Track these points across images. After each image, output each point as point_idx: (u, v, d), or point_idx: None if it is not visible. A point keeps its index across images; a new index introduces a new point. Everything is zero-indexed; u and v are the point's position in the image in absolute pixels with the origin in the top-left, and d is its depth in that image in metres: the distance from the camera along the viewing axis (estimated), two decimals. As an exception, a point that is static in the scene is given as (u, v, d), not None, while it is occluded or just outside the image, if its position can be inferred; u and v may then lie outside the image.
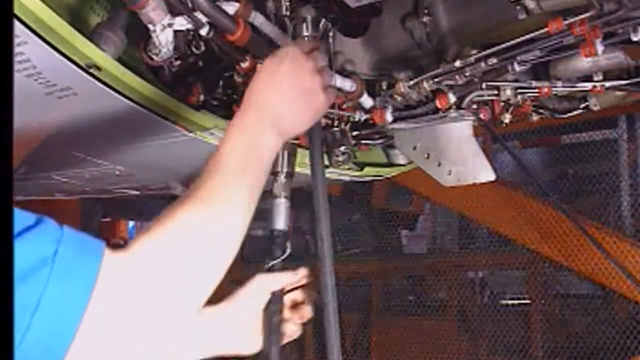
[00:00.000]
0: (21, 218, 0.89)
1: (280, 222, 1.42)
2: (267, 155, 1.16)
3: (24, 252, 0.85)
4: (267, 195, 1.39)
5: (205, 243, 1.02)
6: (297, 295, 1.45)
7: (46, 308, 0.85)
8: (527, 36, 1.51)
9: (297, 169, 2.06)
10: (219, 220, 1.05)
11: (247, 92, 1.19)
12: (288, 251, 1.41)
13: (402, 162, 2.34)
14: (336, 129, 1.89)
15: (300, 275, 1.43)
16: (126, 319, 0.93)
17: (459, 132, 1.88)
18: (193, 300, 1.01)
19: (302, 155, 2.06)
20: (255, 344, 1.39)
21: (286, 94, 1.18)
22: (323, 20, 1.64)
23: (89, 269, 0.90)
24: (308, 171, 2.10)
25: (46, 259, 0.86)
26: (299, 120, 1.22)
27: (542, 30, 1.47)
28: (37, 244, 0.87)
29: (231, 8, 1.37)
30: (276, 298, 1.38)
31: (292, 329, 1.44)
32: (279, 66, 1.19)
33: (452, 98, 1.75)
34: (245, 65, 1.52)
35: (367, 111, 1.86)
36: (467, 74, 1.65)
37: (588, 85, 1.77)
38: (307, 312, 1.45)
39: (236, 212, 1.07)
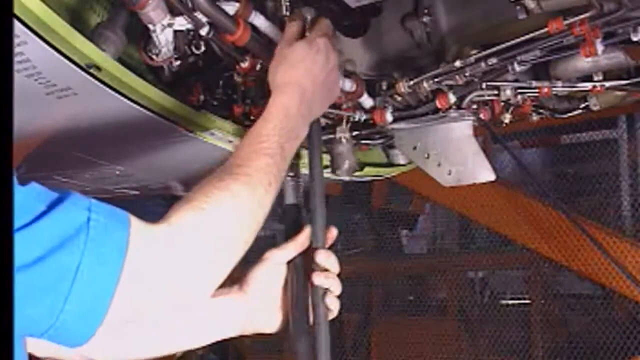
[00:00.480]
0: (47, 194, 0.90)
1: (290, 197, 1.46)
2: (299, 142, 1.23)
3: (61, 220, 0.87)
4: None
5: (244, 221, 1.06)
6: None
7: (85, 274, 0.86)
8: (527, 36, 1.51)
9: (297, 169, 2.07)
10: (259, 203, 1.08)
11: (283, 70, 1.25)
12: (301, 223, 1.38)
13: (402, 162, 2.34)
14: (343, 141, 1.88)
15: (304, 238, 1.37)
16: (157, 289, 0.95)
17: (459, 132, 1.88)
18: (220, 274, 1.04)
19: (302, 155, 2.06)
20: (275, 323, 1.36)
21: (320, 84, 1.27)
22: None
23: (121, 235, 0.91)
24: (308, 171, 2.11)
25: (81, 226, 0.88)
26: (323, 107, 1.32)
27: (542, 30, 1.47)
28: (71, 212, 0.89)
29: (231, 8, 1.37)
30: (297, 268, 1.33)
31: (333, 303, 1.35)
32: (317, 55, 1.27)
33: (452, 98, 1.75)
34: (245, 65, 1.52)
35: (367, 111, 1.86)
36: (467, 74, 1.65)
37: (588, 85, 1.77)
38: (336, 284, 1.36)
39: (271, 197, 1.12)
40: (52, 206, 0.88)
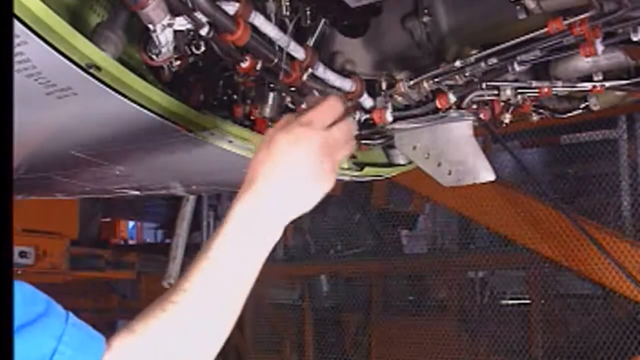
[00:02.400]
0: (33, 304, 0.87)
1: None
2: (265, 254, 1.09)
3: (25, 347, 0.83)
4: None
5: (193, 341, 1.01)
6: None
7: None
8: (527, 36, 1.51)
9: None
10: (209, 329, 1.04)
11: (257, 165, 1.08)
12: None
13: (402, 162, 2.34)
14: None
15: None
16: None
17: (459, 132, 1.88)
18: None
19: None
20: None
21: (302, 182, 1.09)
22: (323, 20, 1.65)
23: None
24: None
25: (43, 357, 0.84)
26: (308, 204, 1.12)
27: (542, 30, 1.48)
28: (39, 338, 0.85)
29: (231, 8, 1.37)
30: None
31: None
32: (294, 148, 1.07)
33: (452, 98, 1.75)
34: (245, 65, 1.51)
35: (367, 111, 1.86)
36: (467, 74, 1.66)
37: (588, 85, 1.77)
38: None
39: (222, 334, 1.07)
40: (23, 326, 0.84)
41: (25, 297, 0.87)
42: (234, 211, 1.05)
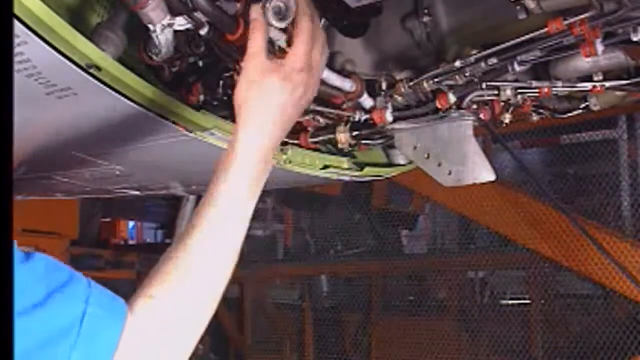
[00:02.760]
0: (50, 274, 0.92)
1: None
2: (265, 172, 1.15)
3: (57, 312, 0.89)
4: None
5: (219, 261, 1.08)
6: None
7: None
8: (527, 36, 1.51)
9: (297, 169, 2.07)
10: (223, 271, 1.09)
11: (253, 102, 1.13)
12: None
13: (402, 162, 2.33)
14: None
15: None
16: None
17: (459, 132, 1.88)
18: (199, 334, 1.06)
19: (302, 156, 2.06)
20: None
21: (288, 117, 1.16)
22: (323, 20, 1.65)
23: (113, 333, 0.94)
24: (308, 171, 2.11)
25: (74, 320, 0.90)
26: (285, 132, 1.19)
27: (542, 30, 1.47)
28: (68, 305, 0.91)
29: (231, 8, 1.37)
30: None
31: None
32: (292, 95, 1.15)
33: (452, 98, 1.75)
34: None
35: (367, 111, 1.86)
36: (467, 74, 1.65)
37: (588, 85, 1.77)
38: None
39: (233, 257, 1.10)
40: (51, 293, 0.89)
41: (49, 266, 0.93)
42: (236, 157, 1.11)
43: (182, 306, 1.04)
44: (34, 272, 0.91)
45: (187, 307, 1.04)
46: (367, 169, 2.28)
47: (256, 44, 1.17)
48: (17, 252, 0.89)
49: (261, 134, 1.13)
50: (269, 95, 1.13)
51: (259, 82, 1.14)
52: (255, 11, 1.21)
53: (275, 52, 1.27)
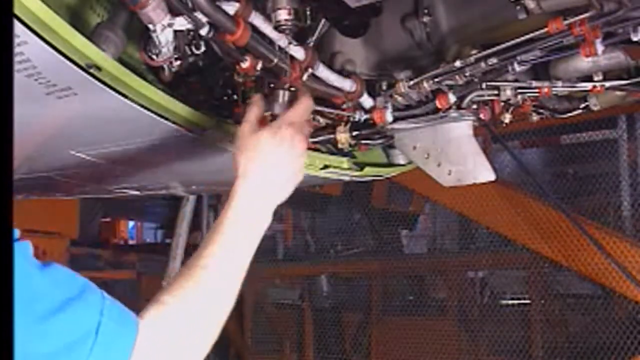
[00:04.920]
0: (65, 281, 0.94)
1: None
2: (262, 228, 1.29)
3: (73, 321, 0.91)
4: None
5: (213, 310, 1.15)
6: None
7: None
8: (527, 36, 1.51)
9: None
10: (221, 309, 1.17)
11: (247, 160, 1.30)
12: None
13: (402, 162, 2.34)
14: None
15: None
16: None
17: (459, 132, 1.88)
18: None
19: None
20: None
21: (283, 174, 1.32)
22: (323, 20, 1.65)
23: (127, 343, 0.96)
24: (308, 171, 2.11)
25: (90, 331, 0.92)
26: (287, 192, 1.34)
27: (542, 30, 1.47)
28: (85, 314, 0.93)
29: (231, 8, 1.37)
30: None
31: None
32: (280, 147, 1.30)
33: (452, 98, 1.75)
34: (245, 65, 1.51)
35: (367, 111, 1.86)
36: (467, 74, 1.65)
37: (588, 85, 1.77)
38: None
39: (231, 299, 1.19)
40: (69, 301, 0.92)
41: (67, 274, 0.96)
42: (241, 192, 1.27)
43: (193, 313, 1.09)
44: (53, 279, 0.93)
45: (198, 314, 1.10)
46: (367, 169, 2.28)
47: (252, 113, 1.38)
48: (35, 260, 0.92)
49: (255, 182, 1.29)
50: (264, 147, 1.30)
51: (251, 137, 1.32)
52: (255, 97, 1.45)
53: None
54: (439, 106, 1.77)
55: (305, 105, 1.41)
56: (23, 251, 0.92)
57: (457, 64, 1.63)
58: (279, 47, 1.50)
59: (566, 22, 1.43)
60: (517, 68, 1.61)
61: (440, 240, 6.21)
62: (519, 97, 1.81)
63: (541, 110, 2.09)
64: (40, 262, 0.93)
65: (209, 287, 1.13)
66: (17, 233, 0.92)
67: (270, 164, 1.30)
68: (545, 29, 1.46)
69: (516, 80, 1.78)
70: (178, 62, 1.53)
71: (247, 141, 1.32)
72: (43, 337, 0.87)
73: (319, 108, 1.82)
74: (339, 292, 6.16)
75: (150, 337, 1.00)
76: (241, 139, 1.33)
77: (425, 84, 1.72)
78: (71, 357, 0.89)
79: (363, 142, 2.06)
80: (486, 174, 1.87)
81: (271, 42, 1.48)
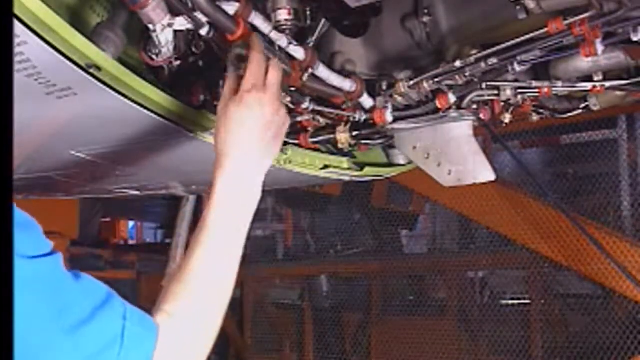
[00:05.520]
0: (91, 291, 0.98)
1: None
2: (253, 210, 1.24)
3: (102, 330, 0.95)
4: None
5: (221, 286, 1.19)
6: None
7: None
8: (527, 36, 1.51)
9: (297, 169, 2.07)
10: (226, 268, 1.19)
11: (222, 139, 1.24)
12: None
13: (402, 162, 2.34)
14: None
15: None
16: None
17: (459, 132, 1.88)
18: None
19: (302, 155, 2.06)
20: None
21: (257, 142, 1.25)
22: (323, 20, 1.65)
23: (149, 345, 1.00)
24: (308, 171, 2.11)
25: (116, 336, 0.96)
26: (269, 159, 1.29)
27: (542, 30, 1.47)
28: (110, 321, 0.97)
29: (231, 8, 1.37)
30: None
31: None
32: (248, 116, 1.24)
33: (452, 98, 1.75)
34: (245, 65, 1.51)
35: (367, 111, 1.86)
36: (467, 74, 1.65)
37: (588, 85, 1.77)
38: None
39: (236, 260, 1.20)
40: (96, 309, 0.96)
41: (92, 283, 1.00)
42: (218, 188, 1.21)
43: (195, 318, 1.12)
44: (84, 289, 0.97)
45: (201, 322, 1.13)
46: (367, 169, 2.28)
47: (227, 88, 1.31)
48: (67, 271, 0.96)
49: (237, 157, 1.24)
50: (232, 123, 1.24)
51: (224, 117, 1.26)
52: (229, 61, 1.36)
53: None
54: (439, 106, 1.77)
55: (255, 61, 1.29)
56: (59, 262, 0.96)
57: (457, 64, 1.63)
58: (279, 47, 1.50)
59: (566, 22, 1.43)
60: (517, 68, 1.61)
61: (440, 240, 6.21)
62: (519, 97, 1.81)
63: (541, 110, 2.09)
64: (71, 272, 0.97)
65: (208, 287, 1.15)
66: (50, 245, 0.98)
67: (245, 138, 1.23)
68: (545, 29, 1.46)
69: (516, 80, 1.78)
70: (178, 62, 1.53)
71: (219, 123, 1.26)
72: (75, 348, 0.91)
73: (318, 108, 1.82)
74: (339, 292, 6.16)
75: (164, 342, 1.04)
76: (216, 120, 1.28)
77: (425, 84, 1.72)
78: None
79: (363, 142, 2.06)
80: (486, 174, 1.87)
81: (271, 42, 1.48)
